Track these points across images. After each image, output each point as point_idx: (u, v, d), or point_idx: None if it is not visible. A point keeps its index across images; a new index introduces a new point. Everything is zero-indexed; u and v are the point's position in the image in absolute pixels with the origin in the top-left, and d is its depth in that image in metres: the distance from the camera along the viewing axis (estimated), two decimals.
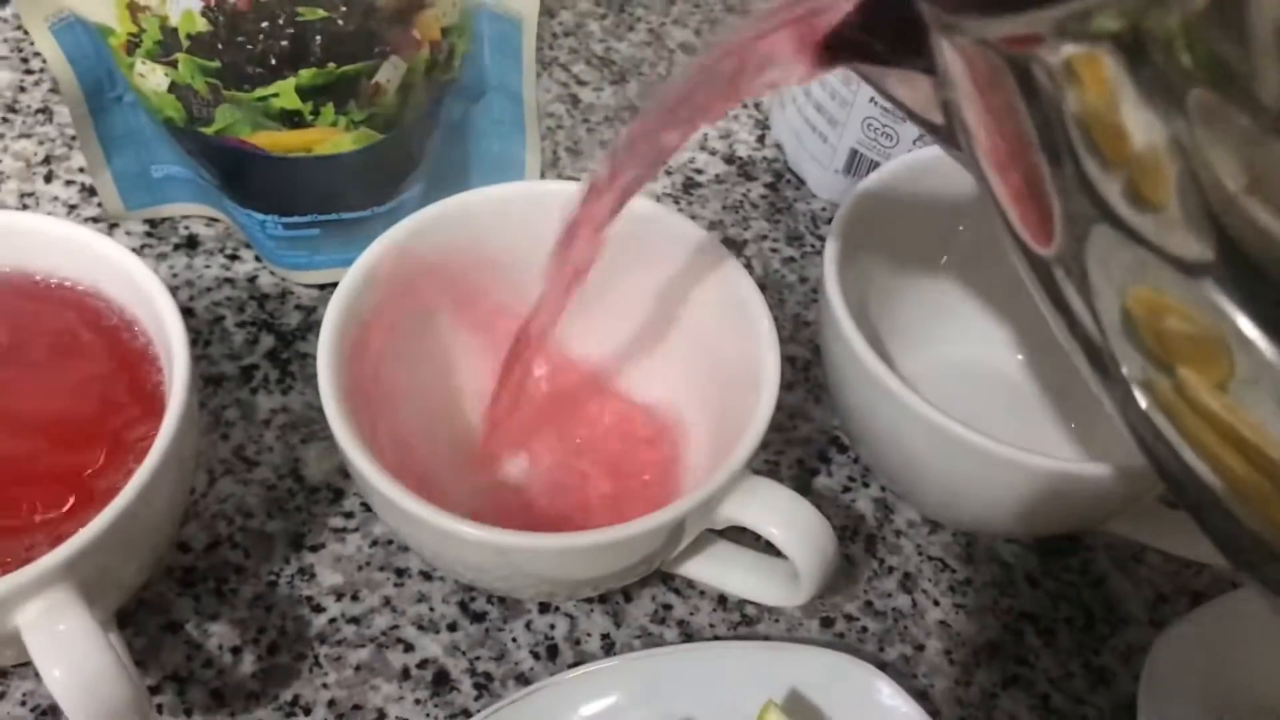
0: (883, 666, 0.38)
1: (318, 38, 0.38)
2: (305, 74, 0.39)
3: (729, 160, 0.53)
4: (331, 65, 0.39)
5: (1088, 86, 0.18)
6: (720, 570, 0.37)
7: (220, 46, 0.38)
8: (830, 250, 0.38)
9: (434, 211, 0.38)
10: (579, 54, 0.56)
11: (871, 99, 0.46)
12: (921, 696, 0.38)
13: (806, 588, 0.34)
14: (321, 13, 0.38)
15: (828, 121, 0.48)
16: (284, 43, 0.38)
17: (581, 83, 0.55)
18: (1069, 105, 0.19)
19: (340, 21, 0.38)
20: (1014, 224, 0.22)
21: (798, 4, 0.27)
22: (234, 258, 0.46)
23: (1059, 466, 0.35)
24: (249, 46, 0.38)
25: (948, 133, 0.24)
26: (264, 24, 0.38)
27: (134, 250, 0.36)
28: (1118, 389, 0.21)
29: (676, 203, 0.51)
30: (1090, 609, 0.41)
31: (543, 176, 0.50)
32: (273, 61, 0.39)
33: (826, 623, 0.39)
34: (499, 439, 0.39)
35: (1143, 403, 0.20)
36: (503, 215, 0.39)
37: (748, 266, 0.48)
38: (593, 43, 0.57)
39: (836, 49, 0.27)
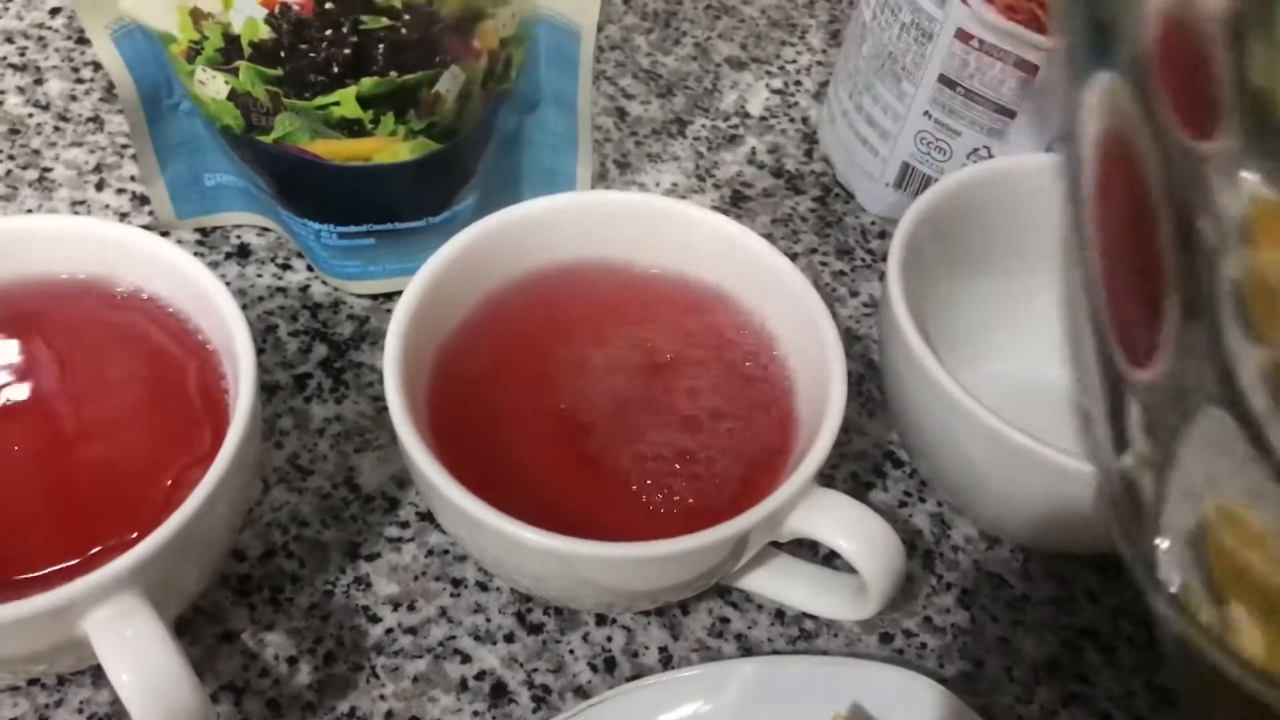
0: (943, 683, 0.38)
1: (380, 46, 0.38)
2: (367, 82, 0.39)
3: (777, 174, 0.53)
4: (393, 74, 0.39)
5: (1262, 246, 0.15)
6: (782, 583, 0.37)
7: (283, 54, 0.38)
8: (893, 262, 0.38)
9: (498, 220, 0.38)
10: (626, 67, 0.56)
11: (925, 112, 0.46)
12: (983, 713, 0.38)
13: (874, 601, 0.34)
14: (385, 21, 0.38)
15: (879, 135, 0.48)
16: (346, 51, 0.38)
17: (629, 96, 0.55)
18: (1231, 261, 0.15)
19: (403, 30, 0.38)
20: (1108, 337, 0.18)
21: None
22: (286, 267, 0.46)
23: None
24: (312, 54, 0.38)
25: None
26: (328, 31, 0.38)
27: None
28: (1139, 566, 0.18)
29: (725, 215, 0.50)
30: (1151, 627, 0.40)
31: (592, 189, 0.50)
32: (335, 69, 0.39)
33: (885, 638, 0.39)
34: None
35: (1171, 603, 0.18)
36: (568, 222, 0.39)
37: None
38: (639, 56, 0.57)
39: None
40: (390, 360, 0.34)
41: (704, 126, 0.54)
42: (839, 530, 0.33)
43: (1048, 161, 0.43)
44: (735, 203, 0.51)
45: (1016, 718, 0.38)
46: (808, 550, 0.40)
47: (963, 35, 0.43)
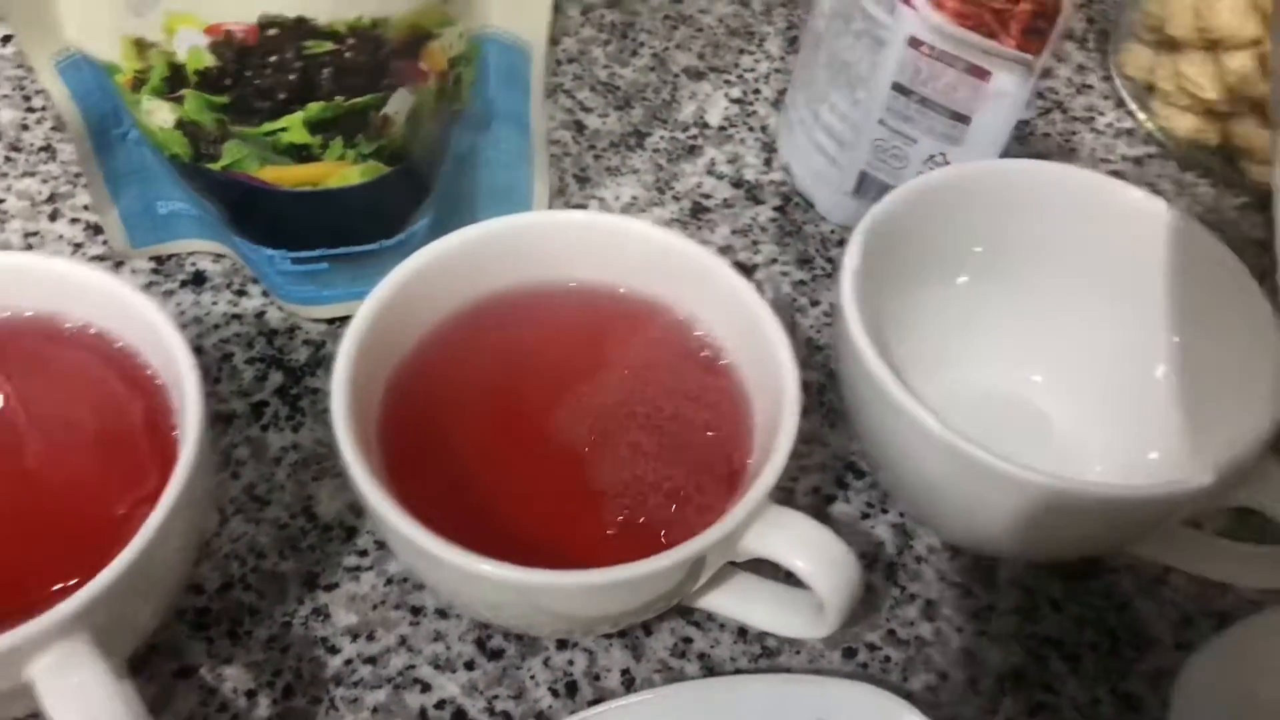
0: (907, 696, 0.38)
1: (325, 71, 0.38)
2: (314, 107, 0.38)
3: (737, 184, 0.52)
4: (339, 98, 0.39)
5: None
6: (742, 603, 0.37)
7: (228, 82, 0.38)
8: (847, 274, 0.38)
9: (454, 241, 0.38)
10: (583, 80, 0.56)
11: (881, 120, 0.46)
12: None
13: (831, 619, 0.34)
14: (329, 46, 0.38)
15: (836, 144, 0.48)
16: (291, 76, 0.38)
17: (586, 109, 0.55)
18: None
19: (348, 54, 0.38)
20: None
21: None
22: (242, 293, 0.46)
23: (1082, 488, 0.34)
24: (257, 81, 0.38)
25: None
26: (272, 58, 0.37)
27: (141, 288, 0.35)
28: None
29: (685, 227, 0.50)
30: (1115, 633, 0.40)
31: (550, 205, 0.50)
32: (281, 96, 0.38)
33: (849, 653, 0.39)
34: None
35: None
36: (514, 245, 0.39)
37: (758, 292, 0.48)
38: (597, 69, 0.57)
39: None
40: (338, 389, 0.33)
41: (663, 138, 0.54)
42: (794, 550, 0.33)
43: (1003, 167, 0.43)
44: (695, 214, 0.51)
45: None
46: (771, 567, 0.39)
47: (914, 42, 0.43)
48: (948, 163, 0.45)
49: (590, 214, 0.42)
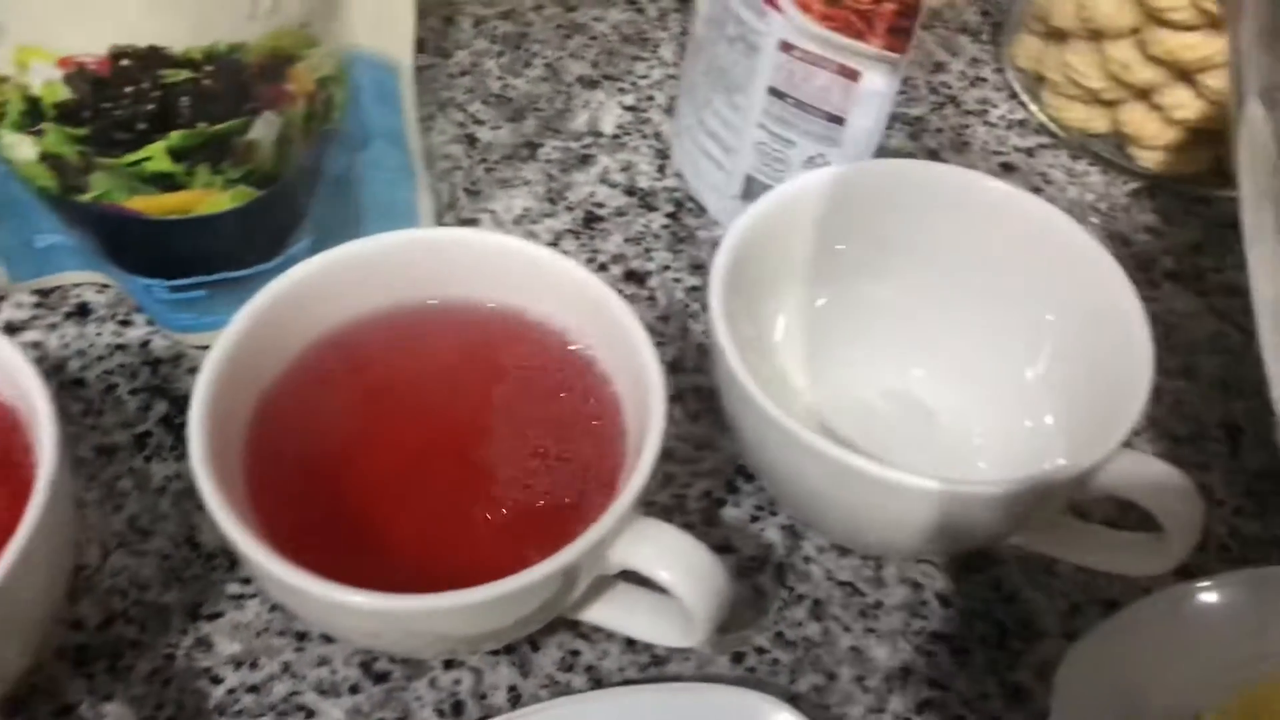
0: (795, 698, 0.38)
1: (184, 99, 0.38)
2: (175, 136, 0.38)
3: (630, 192, 0.52)
4: (202, 125, 0.38)
5: None
6: (621, 614, 0.37)
7: (86, 114, 0.38)
8: (715, 284, 0.38)
9: (315, 265, 0.37)
10: (475, 93, 0.56)
11: (760, 124, 0.46)
12: None
13: (699, 629, 0.34)
14: (186, 74, 0.37)
15: (722, 149, 0.48)
16: (150, 106, 0.38)
17: (479, 122, 0.54)
18: None
19: (207, 81, 0.38)
20: None
21: None
22: (126, 323, 0.46)
23: (955, 489, 0.34)
24: (116, 112, 0.38)
25: None
26: (128, 89, 0.37)
27: (24, 322, 0.35)
28: None
29: (578, 237, 0.50)
30: (1004, 625, 0.41)
31: (441, 220, 0.50)
32: (141, 126, 0.38)
33: (737, 658, 0.39)
34: None
35: None
36: (390, 264, 0.38)
37: (650, 299, 0.48)
38: (489, 81, 0.56)
39: None
40: (195, 421, 0.33)
41: (556, 148, 0.54)
42: (659, 561, 0.33)
43: (872, 168, 0.43)
44: (588, 224, 0.51)
45: None
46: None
47: (785, 46, 0.43)
48: (828, 164, 0.45)
49: (454, 230, 0.42)
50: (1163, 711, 0.37)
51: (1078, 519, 0.43)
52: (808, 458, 0.35)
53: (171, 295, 0.43)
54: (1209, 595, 0.39)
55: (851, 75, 0.42)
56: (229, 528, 0.31)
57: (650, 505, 0.42)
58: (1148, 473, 0.36)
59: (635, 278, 0.49)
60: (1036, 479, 0.35)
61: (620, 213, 0.52)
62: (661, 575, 0.33)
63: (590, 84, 0.57)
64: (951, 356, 0.44)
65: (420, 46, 0.56)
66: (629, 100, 0.56)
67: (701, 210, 0.52)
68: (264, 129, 0.40)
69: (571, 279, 0.38)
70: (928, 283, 0.43)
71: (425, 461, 0.37)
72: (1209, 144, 0.54)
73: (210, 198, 0.40)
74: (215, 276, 0.42)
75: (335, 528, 0.35)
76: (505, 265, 0.38)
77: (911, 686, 0.39)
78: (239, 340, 0.35)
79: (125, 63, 0.37)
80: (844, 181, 0.42)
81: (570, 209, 0.51)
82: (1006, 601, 0.41)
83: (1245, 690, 0.35)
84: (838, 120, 0.44)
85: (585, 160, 0.53)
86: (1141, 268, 0.52)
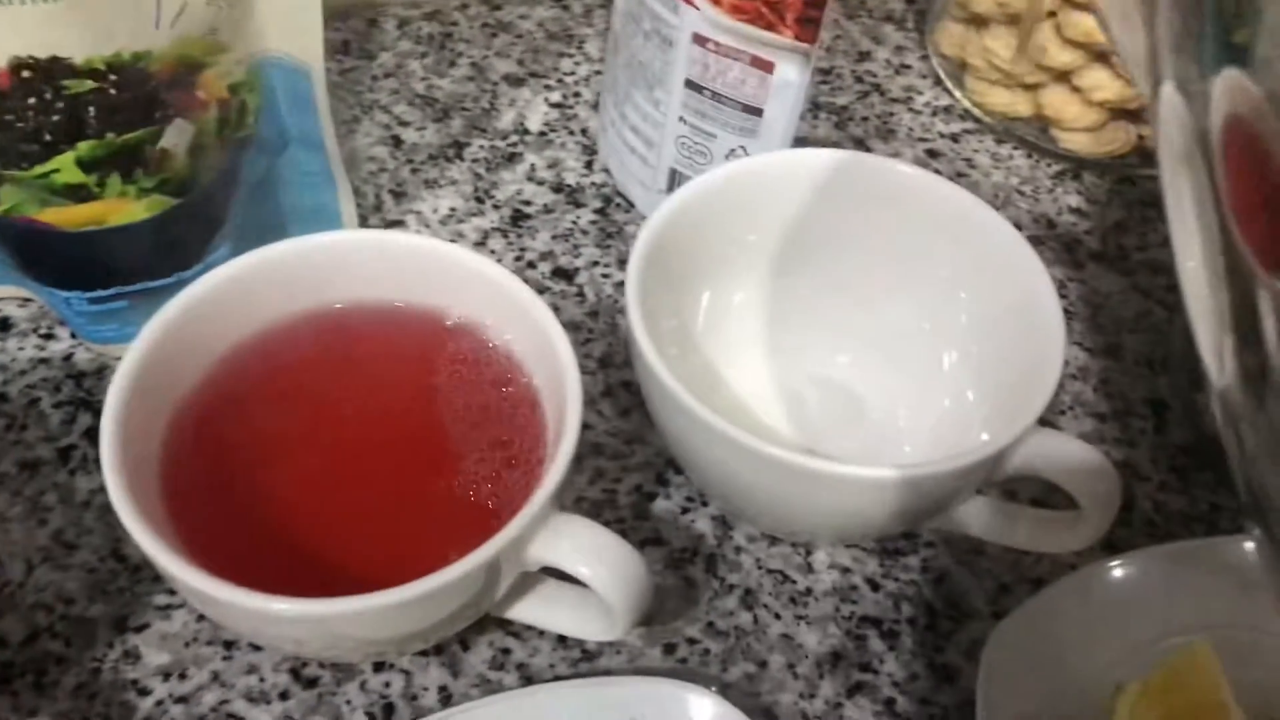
0: (726, 687, 0.38)
1: (91, 109, 0.37)
2: (84, 147, 0.38)
3: (557, 189, 0.52)
4: (110, 135, 0.38)
5: None
6: (545, 610, 0.37)
7: None
8: (632, 281, 0.38)
9: (227, 271, 0.37)
10: (400, 94, 0.56)
11: (680, 118, 0.46)
12: (765, 714, 0.38)
13: (620, 622, 0.34)
14: (90, 84, 0.37)
15: (645, 143, 0.48)
16: (56, 118, 0.37)
17: (404, 123, 0.54)
18: None
19: (113, 91, 0.37)
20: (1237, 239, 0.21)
21: None
22: (49, 336, 0.45)
23: (874, 474, 0.34)
24: (20, 124, 0.37)
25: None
26: (31, 100, 0.37)
27: None
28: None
29: (505, 236, 0.50)
30: (933, 607, 0.41)
31: (365, 222, 0.49)
32: (47, 137, 0.38)
33: (669, 649, 0.39)
34: None
35: None
36: (304, 268, 0.38)
37: (579, 295, 0.48)
38: (414, 82, 0.56)
39: None
40: (108, 432, 0.33)
41: (482, 147, 0.54)
42: (578, 556, 0.33)
43: (785, 158, 0.43)
44: (515, 222, 0.51)
45: (800, 715, 0.38)
46: None
47: (699, 39, 0.43)
48: (748, 155, 0.46)
49: (365, 232, 0.42)
50: (1086, 685, 0.37)
51: (1005, 499, 0.43)
52: (729, 450, 0.35)
53: (92, 307, 0.42)
54: (1129, 571, 0.39)
55: (765, 67, 0.43)
56: (142, 538, 0.31)
57: (580, 501, 0.42)
58: (1063, 451, 0.36)
59: (563, 274, 0.49)
60: (953, 461, 0.35)
61: (548, 210, 0.52)
62: (580, 571, 0.33)
63: (516, 82, 0.57)
64: (874, 341, 0.44)
65: (344, 49, 0.56)
66: (555, 97, 0.56)
67: (630, 205, 0.52)
68: (176, 137, 0.39)
69: (486, 276, 0.38)
70: (847, 269, 0.44)
71: (345, 465, 0.37)
72: (1130, 124, 0.55)
73: (124, 208, 0.40)
74: (135, 287, 0.42)
75: (256, 535, 0.35)
76: (420, 265, 0.38)
77: (842, 671, 0.39)
78: (150, 350, 0.35)
79: (26, 74, 0.36)
80: (760, 172, 0.42)
81: (498, 207, 0.51)
82: (935, 583, 0.41)
83: (1164, 661, 0.35)
84: (755, 112, 0.44)
85: (512, 158, 0.53)
86: (1066, 248, 0.53)
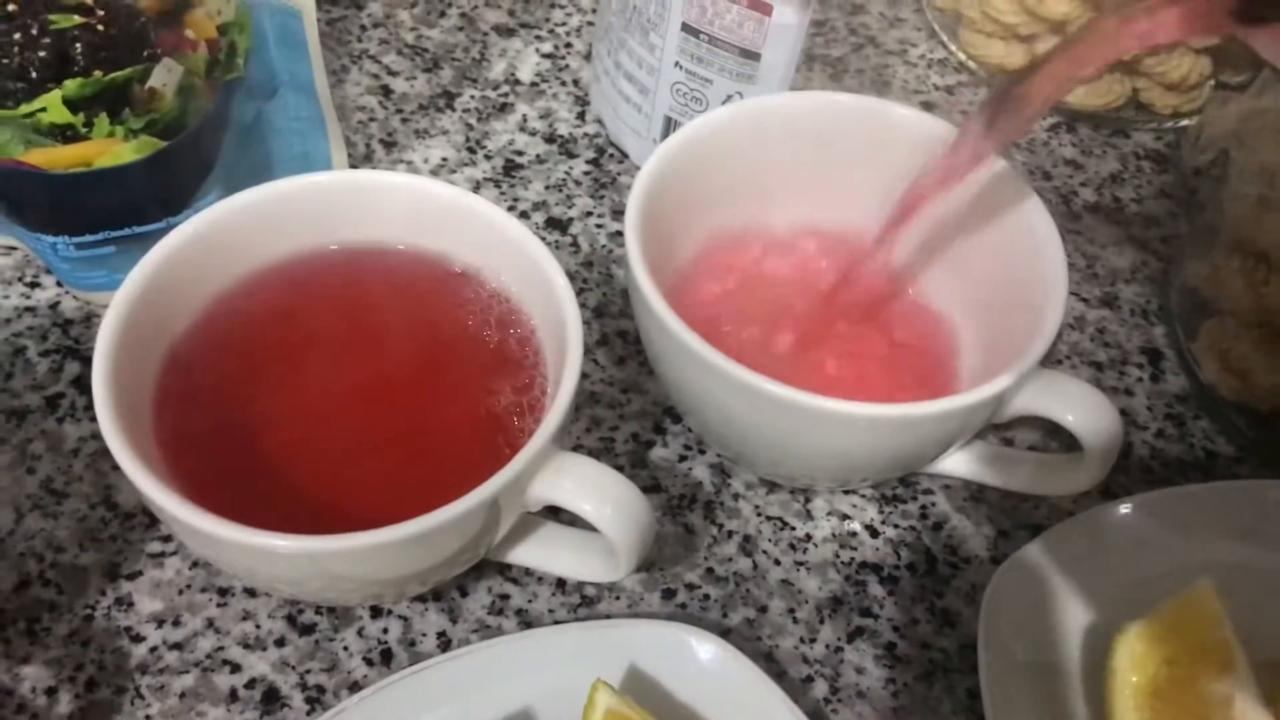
0: (726, 632, 0.38)
1: (78, 46, 0.37)
2: (71, 85, 0.37)
3: (550, 139, 0.52)
4: (98, 73, 0.37)
5: None
6: (546, 552, 0.37)
7: None
8: (630, 223, 0.37)
9: (217, 212, 0.36)
10: (390, 44, 0.55)
11: (676, 63, 0.45)
12: (766, 658, 0.38)
13: (624, 561, 0.33)
14: (77, 19, 0.36)
15: (639, 91, 0.48)
16: (42, 54, 0.36)
17: (393, 73, 0.54)
18: None
19: (101, 27, 0.37)
20: None
21: None
22: (35, 285, 0.44)
23: (878, 412, 0.34)
24: (5, 60, 0.36)
25: None
26: (16, 35, 0.36)
27: None
28: None
29: (498, 186, 0.50)
30: (932, 553, 0.41)
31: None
32: (33, 74, 0.37)
33: (668, 594, 0.39)
34: None
35: None
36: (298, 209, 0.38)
37: (573, 245, 0.48)
38: (404, 32, 0.55)
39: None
40: (100, 374, 0.32)
41: (473, 98, 0.53)
42: (581, 494, 0.32)
43: (791, 99, 0.43)
44: (508, 172, 0.50)
45: (801, 659, 0.38)
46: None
47: None
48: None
49: (363, 173, 0.41)
50: (1087, 628, 0.37)
51: (1003, 444, 0.43)
52: (728, 388, 0.35)
53: (78, 253, 0.41)
54: (1127, 515, 0.39)
55: (763, 9, 0.42)
56: (139, 478, 0.31)
57: (578, 449, 0.42)
58: (1065, 390, 0.36)
59: (557, 225, 0.49)
60: (955, 400, 0.35)
61: (540, 160, 0.51)
62: (584, 508, 0.32)
63: (507, 32, 0.56)
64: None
65: None
66: (547, 48, 0.56)
67: (623, 156, 0.51)
68: (164, 76, 0.39)
69: (485, 219, 0.37)
70: (848, 209, 0.43)
71: (344, 405, 0.37)
72: (1125, 77, 0.55)
73: (112, 149, 0.39)
74: (122, 232, 0.41)
75: (254, 476, 0.35)
76: (418, 207, 0.38)
77: (842, 616, 0.39)
78: (139, 293, 0.34)
79: (11, 7, 0.36)
80: (755, 115, 0.41)
81: (489, 158, 0.51)
82: (934, 529, 0.41)
83: (1163, 604, 0.35)
84: (753, 56, 0.44)
85: (504, 109, 0.53)
86: (1063, 200, 0.53)
